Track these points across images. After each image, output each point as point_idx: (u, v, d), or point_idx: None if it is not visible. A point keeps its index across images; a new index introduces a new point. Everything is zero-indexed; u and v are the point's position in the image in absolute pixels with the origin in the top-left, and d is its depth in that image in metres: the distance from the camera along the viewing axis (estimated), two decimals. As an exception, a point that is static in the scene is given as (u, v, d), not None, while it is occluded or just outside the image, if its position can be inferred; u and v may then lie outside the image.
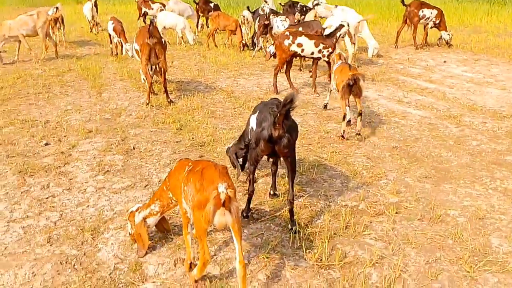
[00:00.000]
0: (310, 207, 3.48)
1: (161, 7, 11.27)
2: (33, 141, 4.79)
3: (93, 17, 12.17)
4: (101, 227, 3.21)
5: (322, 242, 3.00)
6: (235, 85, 7.20)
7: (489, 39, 11.63)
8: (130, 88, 6.93)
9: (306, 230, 3.15)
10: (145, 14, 11.79)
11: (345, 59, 5.57)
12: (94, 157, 4.38)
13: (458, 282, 2.67)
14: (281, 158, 3.13)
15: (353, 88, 4.68)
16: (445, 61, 9.16)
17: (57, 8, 10.57)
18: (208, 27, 11.93)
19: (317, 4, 10.13)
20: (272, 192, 3.64)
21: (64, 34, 10.64)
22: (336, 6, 9.47)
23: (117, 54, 9.18)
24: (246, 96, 6.52)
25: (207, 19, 11.68)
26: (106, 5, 18.66)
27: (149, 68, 6.16)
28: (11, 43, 8.78)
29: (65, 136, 4.95)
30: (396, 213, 3.41)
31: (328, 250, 2.92)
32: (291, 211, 3.17)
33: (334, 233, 3.13)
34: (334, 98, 5.89)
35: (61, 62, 8.61)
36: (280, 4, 10.59)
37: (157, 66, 6.19)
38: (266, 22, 8.27)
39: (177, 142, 4.78)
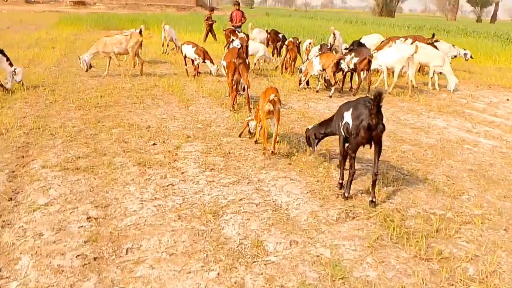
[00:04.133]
0: (401, 212, 3.86)
1: (245, 36, 12.39)
2: (142, 141, 5.48)
3: (172, 39, 13.42)
4: (219, 211, 3.73)
5: (417, 240, 3.37)
6: (307, 107, 7.74)
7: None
8: (213, 104, 7.62)
9: (401, 229, 3.52)
10: (232, 41, 12.85)
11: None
12: (198, 157, 4.98)
13: (550, 282, 2.94)
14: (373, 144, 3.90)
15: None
16: (508, 99, 9.33)
17: (140, 29, 11.77)
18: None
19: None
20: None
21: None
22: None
23: (194, 75, 10.02)
24: (319, 116, 7.02)
25: (274, 48, 12.49)
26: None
27: (234, 83, 7.05)
28: (98, 59, 9.87)
29: (167, 139, 5.62)
30: (482, 223, 3.72)
31: (425, 247, 3.28)
32: (374, 182, 3.93)
33: (427, 234, 3.48)
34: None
35: (146, 79, 9.54)
36: None
37: (240, 82, 7.11)
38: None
39: (263, 152, 5.31)
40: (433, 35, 11.70)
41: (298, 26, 24.95)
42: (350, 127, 3.91)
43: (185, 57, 10.13)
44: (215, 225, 3.50)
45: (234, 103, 7.29)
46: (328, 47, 10.99)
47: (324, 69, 8.57)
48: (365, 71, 8.80)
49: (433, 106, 8.23)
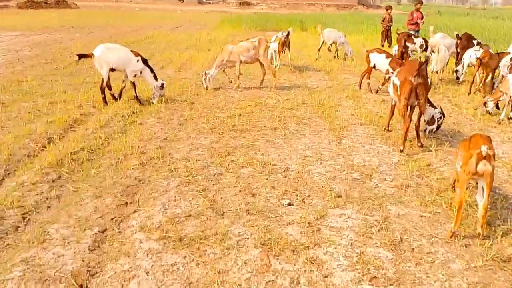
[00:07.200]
0: None
1: (423, 42, 10.18)
2: (274, 195, 3.98)
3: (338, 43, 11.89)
4: None
5: None
6: (517, 156, 5.22)
7: None
8: (374, 137, 5.72)
9: None
10: (406, 48, 10.51)
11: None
12: (351, 244, 3.23)
13: None
14: None
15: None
16: None
17: (288, 32, 10.50)
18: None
19: None
20: None
21: (290, 59, 10.61)
22: None
23: (377, 91, 8.26)
24: None
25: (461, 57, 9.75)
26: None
27: (408, 109, 5.19)
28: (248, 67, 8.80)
29: (309, 196, 4.00)
30: None
31: None
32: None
33: None
34: None
35: (294, 93, 8.10)
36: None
37: (413, 107, 5.27)
38: None
39: (465, 246, 3.25)
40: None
41: (479, 27, 20.59)
42: None
43: (373, 67, 8.18)
44: None
45: (406, 139, 5.29)
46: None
47: None
48: None
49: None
